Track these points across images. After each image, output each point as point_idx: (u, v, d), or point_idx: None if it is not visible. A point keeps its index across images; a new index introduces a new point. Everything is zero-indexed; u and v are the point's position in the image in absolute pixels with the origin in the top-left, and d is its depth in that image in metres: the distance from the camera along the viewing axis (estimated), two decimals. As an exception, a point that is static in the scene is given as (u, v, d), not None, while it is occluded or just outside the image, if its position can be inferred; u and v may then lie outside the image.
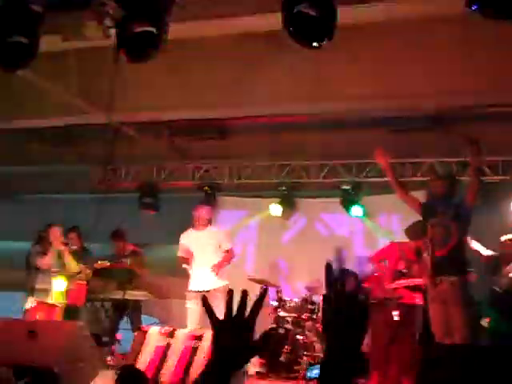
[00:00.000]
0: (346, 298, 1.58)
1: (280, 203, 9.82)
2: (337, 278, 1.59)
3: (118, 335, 8.56)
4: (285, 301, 8.17)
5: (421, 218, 6.48)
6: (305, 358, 7.52)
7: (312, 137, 9.24)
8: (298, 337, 7.78)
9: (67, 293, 7.83)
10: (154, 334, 6.35)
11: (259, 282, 8.00)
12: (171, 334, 6.30)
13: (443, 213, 6.22)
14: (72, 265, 7.82)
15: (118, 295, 8.41)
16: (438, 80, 7.01)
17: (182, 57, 6.78)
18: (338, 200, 9.58)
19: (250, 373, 7.62)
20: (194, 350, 6.02)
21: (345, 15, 4.81)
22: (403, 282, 6.92)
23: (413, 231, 7.04)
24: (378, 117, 8.22)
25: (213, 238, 7.77)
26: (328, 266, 1.60)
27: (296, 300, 8.15)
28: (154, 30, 4.93)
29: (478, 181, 6.24)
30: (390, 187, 6.66)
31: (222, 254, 7.69)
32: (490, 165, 8.76)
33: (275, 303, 8.18)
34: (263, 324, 8.30)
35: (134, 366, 5.65)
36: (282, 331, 7.86)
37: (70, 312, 7.81)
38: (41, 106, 8.45)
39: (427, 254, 6.25)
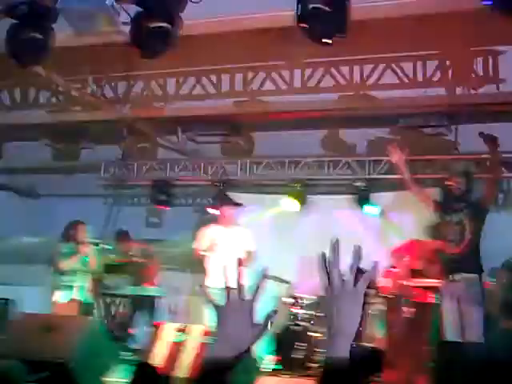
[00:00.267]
0: (342, 286, 1.57)
1: (294, 199, 9.80)
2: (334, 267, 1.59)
3: (132, 330, 8.59)
4: (299, 298, 8.15)
5: (434, 216, 6.45)
6: (320, 355, 7.51)
7: (325, 133, 9.23)
8: (312, 334, 7.77)
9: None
10: (168, 329, 6.37)
11: (272, 279, 7.99)
12: (185, 330, 6.31)
13: (459, 210, 6.19)
14: (95, 263, 7.83)
15: (132, 291, 8.43)
16: (452, 76, 6.99)
17: (195, 52, 6.78)
18: (351, 197, 9.54)
19: (264, 369, 7.62)
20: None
21: (357, 11, 4.80)
22: (419, 280, 6.88)
23: (434, 231, 6.98)
24: (392, 113, 8.18)
25: (238, 236, 7.75)
26: (322, 256, 1.60)
27: (310, 297, 8.13)
28: (167, 25, 4.94)
29: (495, 178, 6.20)
30: (404, 184, 6.63)
31: (243, 254, 7.62)
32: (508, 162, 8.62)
33: (290, 300, 8.16)
34: (278, 321, 8.31)
35: (148, 361, 5.67)
36: (297, 328, 7.85)
37: (85, 307, 7.84)
38: (54, 102, 8.50)
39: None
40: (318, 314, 7.90)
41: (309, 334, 7.75)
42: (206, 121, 9.05)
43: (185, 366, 5.93)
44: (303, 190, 9.87)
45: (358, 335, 1.59)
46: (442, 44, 6.88)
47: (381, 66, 7.77)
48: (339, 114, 8.42)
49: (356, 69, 7.90)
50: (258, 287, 1.59)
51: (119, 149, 9.94)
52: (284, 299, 8.19)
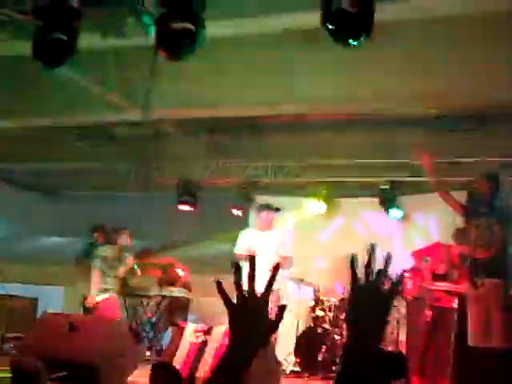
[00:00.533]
0: (368, 289, 1.56)
1: (319, 202, 9.78)
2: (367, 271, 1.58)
3: (157, 331, 8.64)
4: (322, 300, 8.12)
5: (460, 220, 6.37)
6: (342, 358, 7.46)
7: (350, 136, 9.16)
8: (336, 336, 7.73)
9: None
10: (191, 330, 6.37)
11: (297, 281, 7.97)
12: (208, 332, 6.31)
13: (487, 214, 6.10)
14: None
15: (156, 291, 8.46)
16: (476, 79, 6.89)
17: (220, 54, 6.77)
18: (376, 200, 9.49)
19: (286, 372, 7.60)
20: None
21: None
22: (443, 284, 6.79)
23: (460, 235, 6.88)
24: (418, 116, 8.10)
25: (276, 241, 7.69)
26: (352, 259, 1.60)
27: (334, 300, 8.09)
28: (192, 27, 4.93)
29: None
30: (430, 187, 6.56)
31: (279, 258, 7.23)
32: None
33: (313, 303, 8.13)
34: (301, 323, 8.29)
35: (170, 362, 5.68)
36: (319, 330, 7.82)
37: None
38: (80, 104, 8.56)
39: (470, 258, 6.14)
40: (341, 317, 7.87)
41: (331, 336, 7.73)
42: (231, 123, 9.05)
43: (206, 367, 5.94)
44: (329, 193, 9.84)
45: (382, 339, 1.57)
46: (465, 47, 6.79)
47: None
48: (365, 118, 8.37)
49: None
50: (269, 284, 1.57)
51: (146, 151, 10.00)
52: (308, 301, 8.18)
